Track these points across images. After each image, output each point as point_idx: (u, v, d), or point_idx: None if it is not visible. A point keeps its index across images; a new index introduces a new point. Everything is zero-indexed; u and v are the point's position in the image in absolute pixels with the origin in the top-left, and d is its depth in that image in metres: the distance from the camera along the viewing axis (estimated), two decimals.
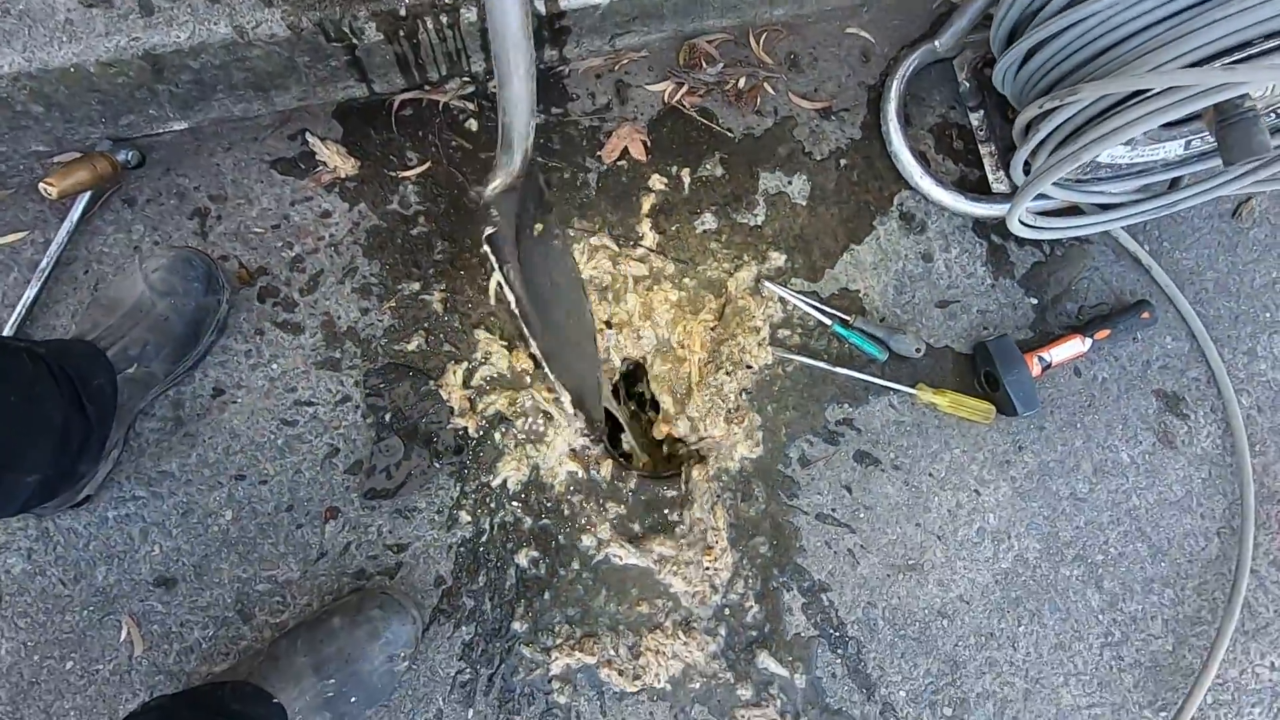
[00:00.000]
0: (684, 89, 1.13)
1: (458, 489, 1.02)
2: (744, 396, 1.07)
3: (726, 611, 1.03)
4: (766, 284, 1.10)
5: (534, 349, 1.00)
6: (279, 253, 1.05)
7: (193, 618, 0.97)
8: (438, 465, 1.02)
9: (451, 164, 1.09)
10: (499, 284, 0.97)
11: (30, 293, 0.98)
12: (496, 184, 0.94)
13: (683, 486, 1.06)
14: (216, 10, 0.89)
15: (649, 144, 1.12)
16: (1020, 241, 1.15)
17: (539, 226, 1.02)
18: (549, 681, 0.99)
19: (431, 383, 1.03)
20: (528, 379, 1.05)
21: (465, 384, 1.04)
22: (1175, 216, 1.18)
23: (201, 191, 1.04)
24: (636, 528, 1.04)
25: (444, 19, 0.96)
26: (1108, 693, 1.06)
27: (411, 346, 1.04)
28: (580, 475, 1.04)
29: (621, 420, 1.17)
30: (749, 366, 1.08)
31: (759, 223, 1.12)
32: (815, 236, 1.12)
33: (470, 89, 1.10)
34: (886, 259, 1.13)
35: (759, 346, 1.08)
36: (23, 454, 0.77)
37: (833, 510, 1.07)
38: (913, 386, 1.08)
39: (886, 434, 1.09)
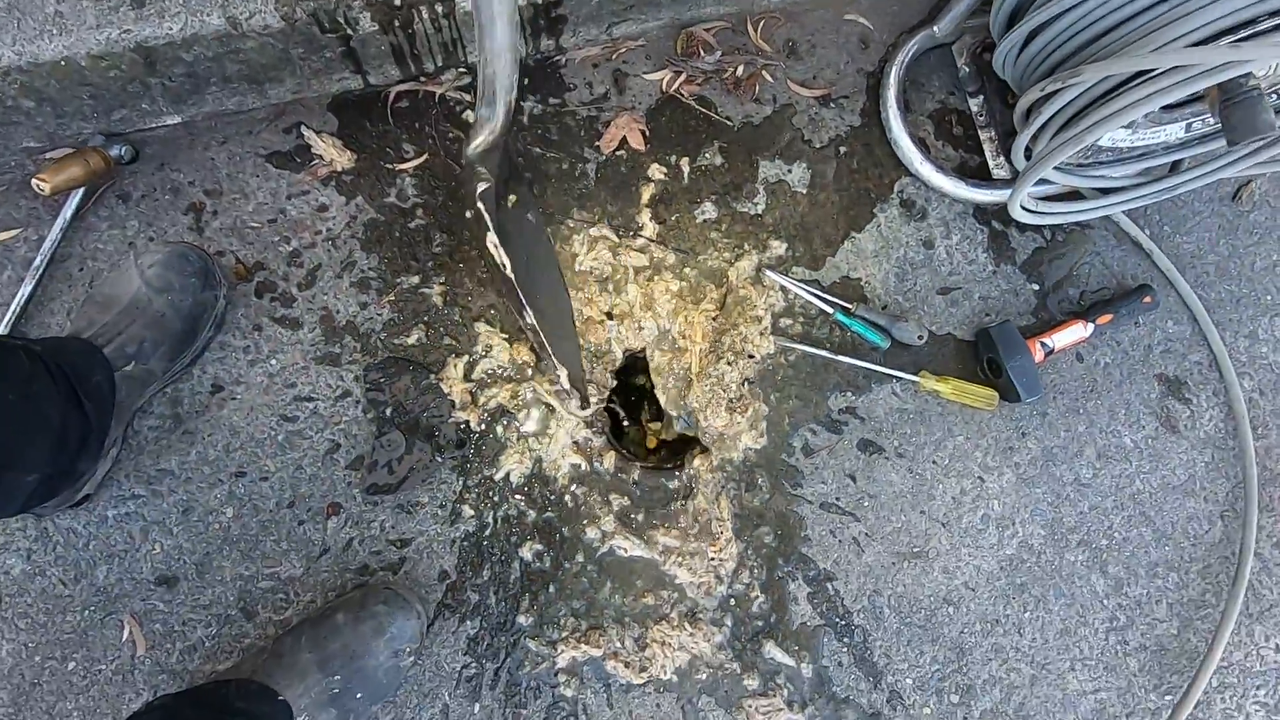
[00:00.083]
0: (682, 77, 1.12)
1: (460, 483, 1.02)
2: (746, 386, 1.07)
3: (732, 602, 1.03)
4: (768, 273, 1.09)
5: (530, 319, 0.94)
6: (276, 247, 1.04)
7: (195, 616, 0.96)
8: (440, 459, 1.01)
9: (448, 156, 1.08)
10: (494, 245, 0.90)
11: (24, 291, 0.97)
12: (479, 141, 0.88)
13: (686, 477, 1.06)
14: (209, 1, 0.87)
15: (647, 133, 1.11)
16: (1021, 227, 1.15)
17: (512, 198, 0.98)
18: (555, 675, 0.99)
19: (432, 376, 1.03)
20: (529, 371, 1.04)
21: (466, 377, 1.03)
22: (1176, 200, 1.18)
23: (196, 186, 1.03)
24: (641, 519, 1.04)
25: (439, 8, 0.95)
26: (1113, 677, 1.07)
27: (411, 340, 1.03)
28: (583, 467, 1.04)
29: (622, 413, 1.17)
30: (751, 356, 1.08)
31: (759, 211, 1.11)
32: (816, 224, 1.12)
33: (467, 79, 1.09)
34: (888, 246, 1.12)
35: (761, 336, 1.08)
36: (21, 453, 0.76)
37: (837, 499, 1.06)
38: (915, 374, 1.08)
39: (890, 422, 1.09)
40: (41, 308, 0.99)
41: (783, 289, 1.09)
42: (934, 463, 1.08)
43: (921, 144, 1.12)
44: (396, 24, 0.95)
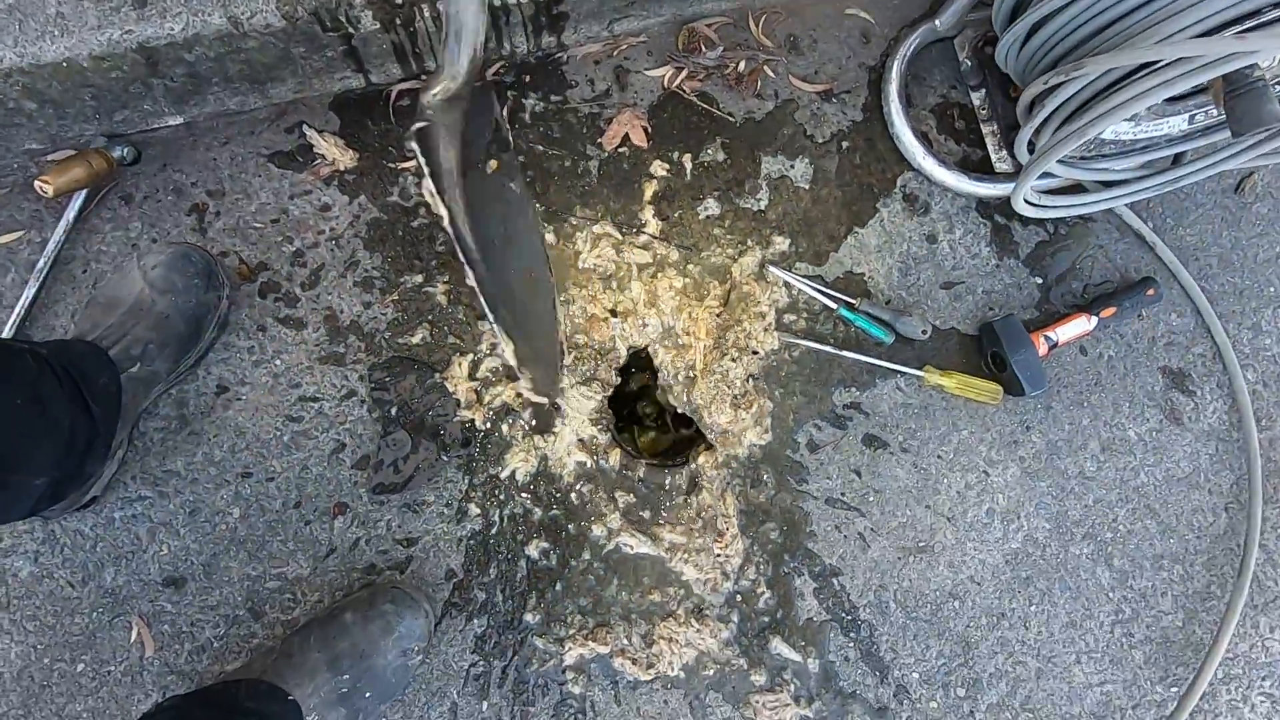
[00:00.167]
0: (684, 73, 1.12)
1: (466, 482, 1.02)
2: (751, 382, 1.07)
3: (738, 598, 1.03)
4: (771, 269, 1.09)
5: (470, 280, 0.87)
6: (279, 247, 1.03)
7: (203, 617, 0.96)
8: (445, 458, 1.01)
9: None
10: (430, 193, 0.83)
11: (28, 293, 0.97)
12: (438, 89, 0.81)
13: (691, 474, 1.06)
14: (210, 1, 0.87)
15: (650, 130, 1.11)
16: (1024, 221, 1.15)
17: (493, 164, 0.92)
18: (563, 672, 0.99)
19: (437, 375, 1.03)
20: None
21: (471, 376, 1.03)
22: (1178, 192, 1.18)
23: (199, 187, 1.03)
24: (647, 516, 1.04)
25: (441, 6, 0.94)
26: (1119, 669, 1.07)
27: (416, 339, 1.03)
28: (589, 465, 1.04)
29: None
30: (755, 352, 1.08)
31: (762, 207, 1.11)
32: (819, 220, 1.12)
33: None
34: (891, 241, 1.12)
35: (765, 332, 1.08)
36: (30, 456, 0.76)
37: (842, 494, 1.07)
38: (919, 369, 1.08)
39: (894, 417, 1.09)
40: (46, 310, 0.99)
41: (786, 285, 1.09)
42: (939, 457, 1.08)
43: (924, 138, 1.12)
44: (398, 22, 0.95)
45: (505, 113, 0.99)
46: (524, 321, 0.94)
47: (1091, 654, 1.07)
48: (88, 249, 1.00)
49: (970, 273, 1.13)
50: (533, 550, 1.01)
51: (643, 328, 1.07)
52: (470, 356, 1.04)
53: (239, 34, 0.89)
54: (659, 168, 1.10)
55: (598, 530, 1.03)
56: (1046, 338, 1.08)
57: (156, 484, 0.98)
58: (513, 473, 1.02)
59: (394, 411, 1.02)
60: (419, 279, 1.05)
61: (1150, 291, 1.11)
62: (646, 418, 1.24)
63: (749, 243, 1.10)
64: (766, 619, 1.03)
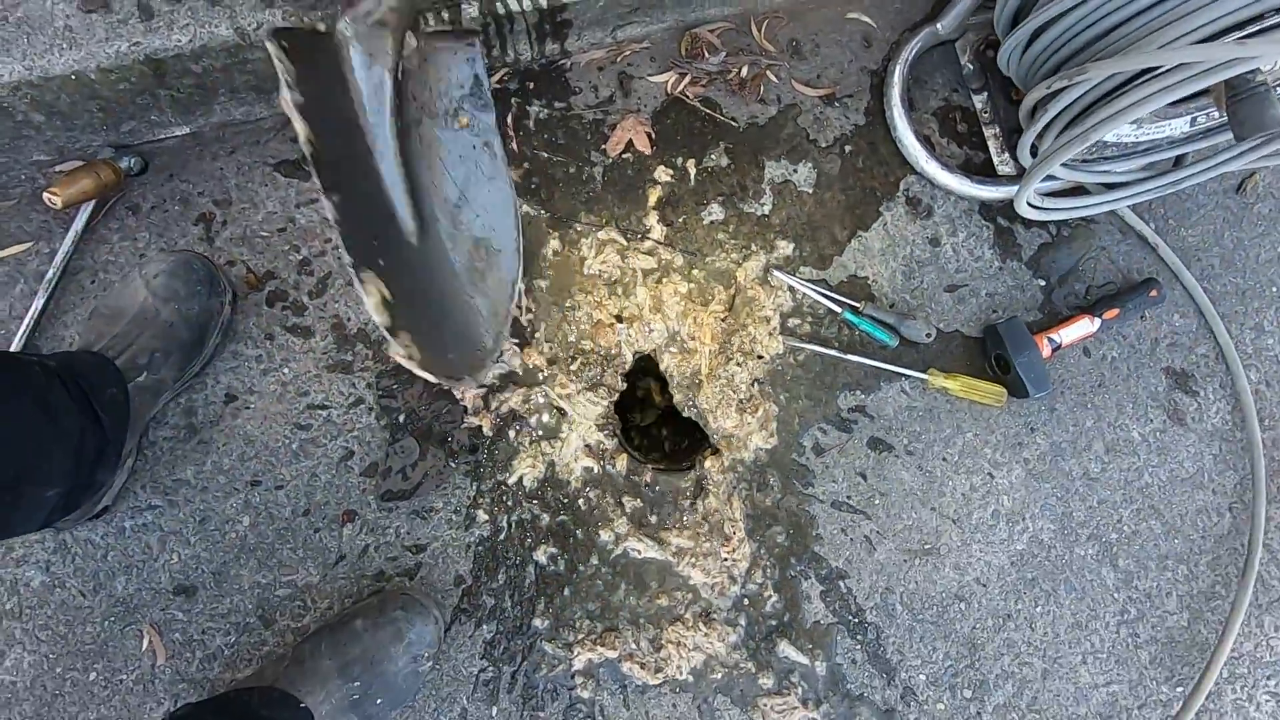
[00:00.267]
0: (687, 79, 1.13)
1: (474, 488, 1.02)
2: (756, 386, 1.07)
3: (746, 601, 1.04)
4: (775, 273, 1.10)
5: (330, 212, 0.76)
6: (286, 256, 1.04)
7: (214, 625, 0.97)
8: (453, 465, 1.02)
9: None
10: (287, 103, 0.73)
11: (37, 304, 0.97)
12: (366, 7, 0.72)
13: (698, 479, 1.06)
14: (217, 12, 0.88)
15: (653, 135, 1.11)
16: (1027, 223, 1.15)
17: (463, 120, 0.85)
18: (571, 677, 1.00)
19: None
20: (540, 376, 1.05)
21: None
22: (1180, 193, 1.18)
23: (206, 197, 1.04)
24: (654, 521, 1.05)
25: (445, 15, 0.95)
26: (1125, 669, 1.07)
27: None
28: (596, 470, 1.04)
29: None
30: (760, 356, 1.08)
31: (766, 212, 1.11)
32: (823, 224, 1.12)
33: None
34: (894, 245, 1.13)
35: (769, 336, 1.08)
36: (42, 467, 0.77)
37: (848, 498, 1.07)
38: (924, 372, 1.08)
39: (899, 420, 1.09)
40: (55, 320, 0.99)
41: (791, 289, 1.10)
42: (944, 460, 1.09)
43: (926, 141, 1.13)
44: None
45: (492, 78, 0.93)
46: (446, 291, 0.84)
47: (1097, 654, 1.07)
48: (96, 259, 1.01)
49: (973, 275, 1.13)
50: (541, 556, 1.02)
51: (648, 333, 1.08)
52: None
53: (245, 45, 0.90)
54: (663, 173, 1.10)
55: (605, 535, 1.03)
56: (1050, 339, 1.08)
57: (166, 493, 0.98)
58: (520, 478, 1.03)
59: (402, 419, 1.02)
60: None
61: (1153, 293, 1.12)
62: (650, 424, 1.25)
63: (753, 247, 1.11)
64: (774, 622, 1.04)
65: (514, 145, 1.09)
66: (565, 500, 1.03)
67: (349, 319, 1.03)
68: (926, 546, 1.07)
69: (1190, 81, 0.75)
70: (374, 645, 0.88)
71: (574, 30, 1.07)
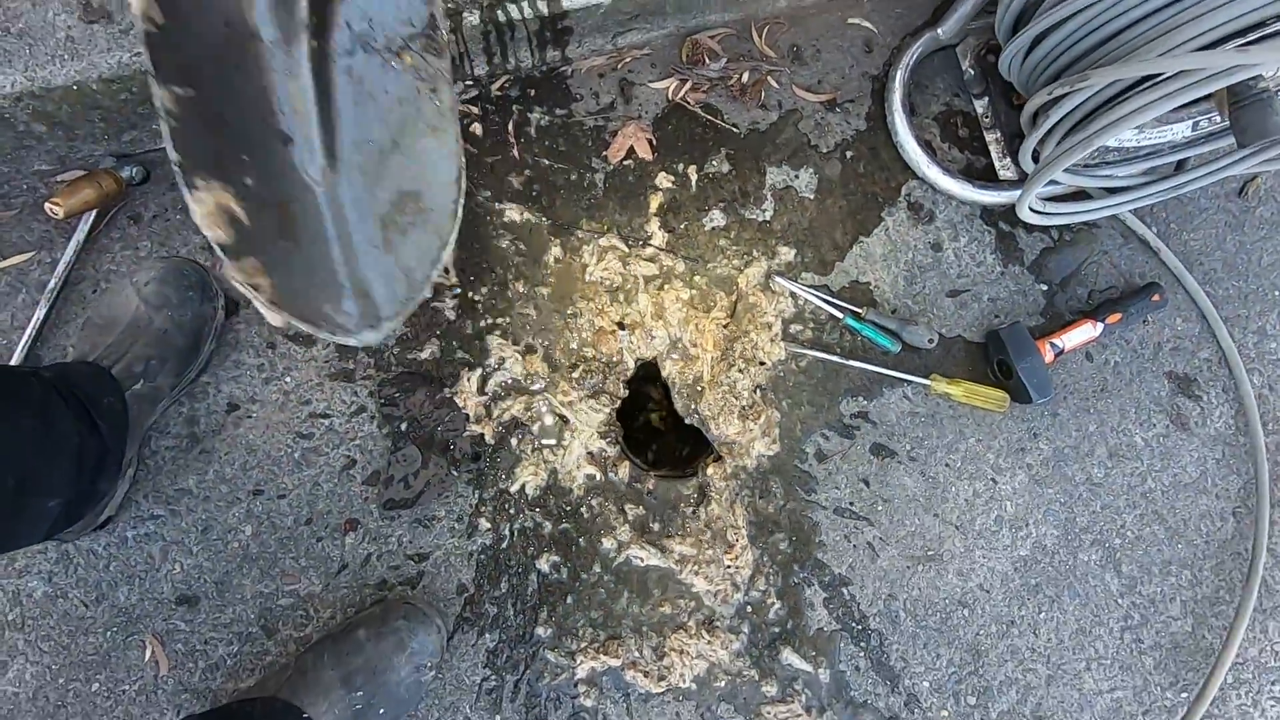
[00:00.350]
0: (688, 85, 1.13)
1: (476, 496, 1.02)
2: (758, 393, 1.07)
3: (749, 609, 1.03)
4: (777, 279, 1.09)
5: (155, 93, 0.66)
6: None
7: (216, 635, 0.97)
8: (455, 473, 1.02)
9: None
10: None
11: (39, 314, 0.97)
12: None
13: (700, 486, 1.06)
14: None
15: (654, 142, 1.11)
16: (1029, 228, 1.15)
17: (407, 59, 0.76)
18: (574, 685, 0.99)
19: (446, 390, 1.03)
20: (542, 383, 1.05)
21: (480, 390, 1.04)
22: (1182, 198, 1.18)
23: None
24: (656, 528, 1.04)
25: (447, 23, 0.95)
26: (1129, 675, 1.07)
27: (425, 355, 1.04)
28: (598, 478, 1.04)
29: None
30: (762, 363, 1.08)
31: (767, 218, 1.11)
32: (824, 230, 1.12)
33: (473, 93, 1.09)
34: (896, 250, 1.13)
35: (771, 342, 1.08)
36: (43, 477, 0.77)
37: (851, 504, 1.07)
38: (926, 377, 1.08)
39: (902, 426, 1.09)
40: (56, 330, 0.99)
41: (792, 295, 1.10)
42: (946, 465, 1.09)
43: (927, 146, 1.13)
44: None
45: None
46: (341, 235, 0.75)
47: (1101, 660, 1.07)
48: (97, 269, 1.01)
49: (975, 280, 1.13)
50: (543, 564, 1.02)
51: (650, 340, 1.08)
52: (479, 371, 1.04)
53: None
54: (664, 180, 1.10)
55: (608, 543, 1.03)
56: (1052, 345, 1.08)
57: (168, 503, 0.98)
58: (522, 487, 1.03)
59: (404, 427, 1.02)
60: (427, 294, 1.05)
61: (1155, 297, 1.12)
62: (652, 430, 1.24)
63: (754, 253, 1.10)
64: (777, 629, 1.03)
65: (515, 152, 1.09)
66: (568, 508, 1.03)
67: None
68: (930, 553, 1.07)
69: (1192, 88, 0.75)
70: (377, 655, 0.88)
71: (575, 37, 1.07)
